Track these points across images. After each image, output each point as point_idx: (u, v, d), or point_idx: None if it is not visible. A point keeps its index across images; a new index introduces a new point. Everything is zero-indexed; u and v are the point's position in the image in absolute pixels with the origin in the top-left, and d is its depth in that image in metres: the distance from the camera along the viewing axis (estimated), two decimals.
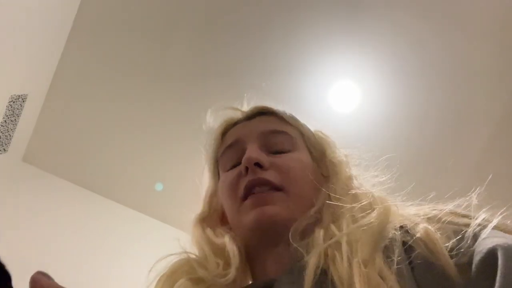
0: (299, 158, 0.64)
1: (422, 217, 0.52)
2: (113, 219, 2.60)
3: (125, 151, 2.72)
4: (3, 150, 2.55)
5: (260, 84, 2.58)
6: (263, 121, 0.70)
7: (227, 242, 0.60)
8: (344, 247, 0.49)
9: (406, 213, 0.55)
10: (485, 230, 0.46)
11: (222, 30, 2.58)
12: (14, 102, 2.45)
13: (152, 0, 2.56)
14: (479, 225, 0.47)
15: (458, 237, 0.46)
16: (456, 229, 0.48)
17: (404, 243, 0.49)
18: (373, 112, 2.55)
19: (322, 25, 2.50)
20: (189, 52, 2.62)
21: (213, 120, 0.77)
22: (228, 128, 0.74)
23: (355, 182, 0.63)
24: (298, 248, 0.52)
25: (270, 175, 0.61)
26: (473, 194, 0.55)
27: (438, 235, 0.47)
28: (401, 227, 0.52)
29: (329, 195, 0.60)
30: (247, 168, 0.61)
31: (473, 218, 0.49)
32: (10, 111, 2.45)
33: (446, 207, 0.53)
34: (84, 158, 2.74)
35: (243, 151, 0.64)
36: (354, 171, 0.66)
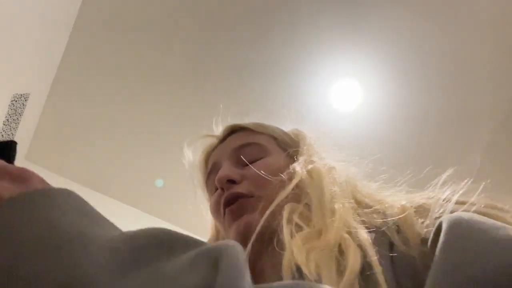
0: (268, 162, 0.67)
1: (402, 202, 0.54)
2: (115, 218, 2.60)
3: (127, 149, 2.73)
4: None
5: (262, 84, 2.58)
6: (234, 139, 0.74)
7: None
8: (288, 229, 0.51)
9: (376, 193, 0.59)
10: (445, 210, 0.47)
11: (223, 30, 2.58)
12: (16, 101, 2.46)
13: (153, 0, 2.57)
14: (440, 205, 0.49)
15: (423, 219, 0.48)
16: (423, 210, 0.50)
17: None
18: (374, 111, 2.55)
19: (323, 24, 2.50)
20: (190, 51, 2.62)
21: (192, 154, 0.82)
22: (208, 155, 0.78)
23: (316, 166, 0.65)
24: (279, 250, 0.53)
25: (242, 188, 0.64)
26: (444, 174, 0.56)
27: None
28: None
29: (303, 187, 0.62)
30: (222, 188, 0.65)
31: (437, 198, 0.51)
32: (13, 110, 2.46)
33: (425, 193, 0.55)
34: (86, 157, 2.75)
35: None
36: (316, 157, 0.68)
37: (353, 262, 0.43)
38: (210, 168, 0.73)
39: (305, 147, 0.70)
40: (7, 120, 2.45)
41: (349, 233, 0.48)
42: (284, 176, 0.63)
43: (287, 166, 0.66)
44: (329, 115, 2.57)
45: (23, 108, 2.55)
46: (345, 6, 2.45)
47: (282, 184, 0.62)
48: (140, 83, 2.68)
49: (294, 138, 0.74)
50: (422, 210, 0.51)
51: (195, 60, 2.62)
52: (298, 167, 0.63)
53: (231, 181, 0.64)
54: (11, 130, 2.53)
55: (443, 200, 0.50)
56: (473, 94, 2.47)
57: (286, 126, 0.83)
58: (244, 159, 0.67)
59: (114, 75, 2.68)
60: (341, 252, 0.46)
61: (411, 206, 0.52)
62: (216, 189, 0.68)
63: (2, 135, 2.47)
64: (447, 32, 2.41)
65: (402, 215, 0.50)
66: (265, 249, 0.59)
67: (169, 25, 2.61)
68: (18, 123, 2.56)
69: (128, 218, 2.66)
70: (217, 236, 0.74)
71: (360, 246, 0.46)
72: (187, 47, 2.62)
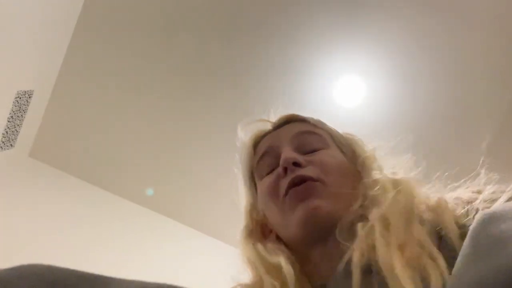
0: (332, 154, 0.66)
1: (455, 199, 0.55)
2: (120, 214, 2.62)
3: (131, 145, 2.74)
4: (10, 145, 2.57)
5: (265, 81, 2.58)
6: (292, 127, 0.72)
7: (283, 262, 0.58)
8: (378, 233, 0.50)
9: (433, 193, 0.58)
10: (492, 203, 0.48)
11: (225, 30, 2.57)
12: (20, 98, 2.47)
13: None
14: (484, 201, 0.50)
15: (464, 212, 0.50)
16: (464, 205, 0.51)
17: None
18: (377, 107, 2.54)
19: (327, 20, 2.49)
20: (194, 49, 2.62)
21: (244, 135, 0.78)
22: (259, 140, 0.75)
23: (385, 172, 0.64)
24: (345, 244, 0.53)
25: (308, 171, 0.62)
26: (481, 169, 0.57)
27: (449, 207, 0.51)
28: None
29: (366, 189, 0.61)
30: (285, 169, 0.63)
31: (480, 193, 0.52)
32: (17, 107, 2.47)
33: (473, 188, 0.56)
34: (90, 153, 2.76)
35: (277, 157, 0.66)
36: (382, 162, 0.67)
37: (435, 279, 0.43)
38: (264, 151, 0.70)
39: (365, 154, 0.68)
40: (11, 117, 2.46)
41: (423, 247, 0.48)
42: (350, 173, 0.63)
43: (344, 162, 0.66)
44: (333, 111, 2.57)
45: (27, 105, 2.56)
46: (348, 3, 2.44)
47: (348, 180, 0.62)
48: (144, 79, 2.68)
49: (347, 140, 0.73)
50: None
51: (196, 59, 2.62)
52: (381, 174, 0.62)
53: (297, 164, 0.63)
54: (15, 127, 2.54)
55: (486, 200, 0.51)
56: (475, 91, 2.45)
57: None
58: (307, 147, 0.66)
59: (117, 72, 2.68)
60: (420, 266, 0.45)
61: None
62: (269, 171, 0.67)
63: (7, 132, 2.49)
64: (450, 29, 2.40)
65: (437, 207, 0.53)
66: (322, 238, 0.58)
67: (171, 23, 2.61)
68: (22, 120, 2.57)
69: (132, 215, 2.67)
70: (252, 225, 0.71)
71: (437, 263, 0.45)
72: (189, 46, 2.62)
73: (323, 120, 0.76)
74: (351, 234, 0.54)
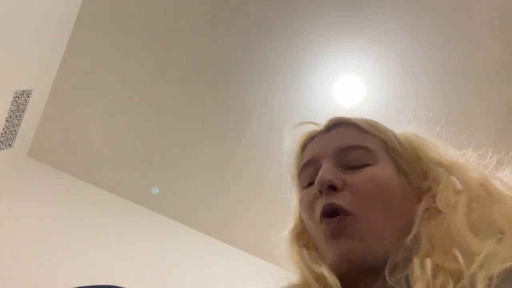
0: (375, 174, 0.58)
1: None
2: (118, 214, 2.61)
3: (130, 145, 2.73)
4: (8, 145, 2.56)
5: (264, 81, 2.58)
6: (340, 134, 0.65)
7: (326, 273, 0.56)
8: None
9: None
10: None
11: (224, 30, 2.57)
12: (18, 97, 2.46)
13: None
14: None
15: None
16: None
17: None
18: (376, 107, 2.54)
19: (325, 20, 2.49)
20: (192, 49, 2.62)
21: (291, 137, 0.73)
22: (307, 142, 0.71)
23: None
24: (395, 285, 0.48)
25: (342, 200, 0.57)
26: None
27: None
28: None
29: (427, 210, 0.54)
30: (321, 191, 0.59)
31: None
32: (15, 107, 2.46)
33: None
34: (89, 153, 2.75)
35: (318, 169, 0.62)
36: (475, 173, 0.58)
37: None
38: (307, 161, 0.66)
39: (431, 166, 0.60)
40: (10, 116, 2.46)
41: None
42: (395, 195, 0.56)
43: (395, 181, 0.58)
44: (332, 111, 2.56)
45: (26, 105, 2.55)
46: (348, 3, 2.44)
47: (394, 204, 0.56)
48: (142, 80, 2.67)
49: (410, 145, 0.64)
50: None
51: (196, 58, 2.62)
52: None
53: (333, 187, 0.58)
54: (13, 127, 2.53)
55: None
56: (475, 91, 2.45)
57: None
58: (351, 164, 0.60)
59: (115, 72, 2.68)
60: None
61: None
62: (309, 183, 0.63)
63: (5, 131, 2.48)
64: (449, 29, 2.40)
65: None
66: (366, 275, 0.54)
67: (170, 22, 2.60)
68: (21, 119, 2.56)
69: (131, 214, 2.66)
70: (301, 225, 0.68)
71: None
72: (187, 46, 2.61)
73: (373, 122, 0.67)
74: (401, 269, 0.50)
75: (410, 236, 0.52)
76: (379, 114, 2.63)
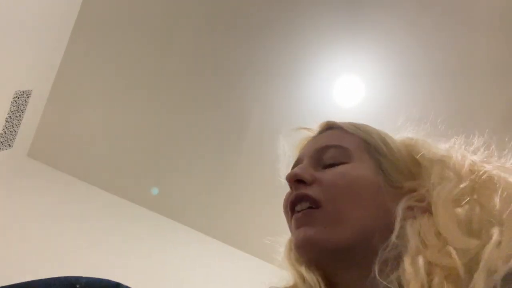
0: (346, 170, 0.60)
1: None
2: (118, 214, 2.61)
3: (129, 145, 2.73)
4: (8, 145, 2.56)
5: (264, 81, 2.58)
6: (324, 136, 0.68)
7: (304, 271, 0.58)
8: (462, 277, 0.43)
9: None
10: None
11: (224, 30, 2.57)
12: (18, 98, 2.46)
13: None
14: None
15: None
16: None
17: None
18: (376, 107, 2.54)
19: (325, 20, 2.49)
20: (192, 49, 2.62)
21: (285, 143, 0.76)
22: (299, 149, 0.74)
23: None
24: (388, 284, 0.48)
25: (310, 190, 0.59)
26: None
27: None
28: None
29: (411, 208, 0.54)
30: (291, 187, 0.62)
31: None
32: (15, 107, 2.46)
33: None
34: (88, 154, 2.75)
35: None
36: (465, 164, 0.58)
37: None
38: (294, 164, 0.70)
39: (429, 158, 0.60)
40: (10, 117, 2.46)
41: None
42: (367, 190, 0.57)
43: (370, 178, 0.59)
44: (332, 111, 2.57)
45: (26, 105, 2.55)
46: (347, 3, 2.44)
47: (366, 200, 0.57)
48: (141, 80, 2.67)
49: (398, 147, 0.64)
50: None
51: (196, 59, 2.62)
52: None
53: (301, 181, 0.60)
54: (13, 127, 2.53)
55: None
56: (475, 91, 2.46)
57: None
58: (327, 162, 0.62)
59: (115, 72, 2.68)
60: None
61: None
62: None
63: (5, 132, 2.48)
64: (449, 29, 2.40)
65: None
66: (342, 269, 0.55)
67: (170, 22, 2.60)
68: (21, 120, 2.56)
69: (131, 215, 2.67)
70: None
71: None
72: (187, 46, 2.61)
73: (357, 123, 0.69)
74: (390, 268, 0.49)
75: (395, 233, 0.51)
76: (379, 114, 2.64)
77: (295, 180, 0.61)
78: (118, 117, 2.72)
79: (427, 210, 0.53)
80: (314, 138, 0.70)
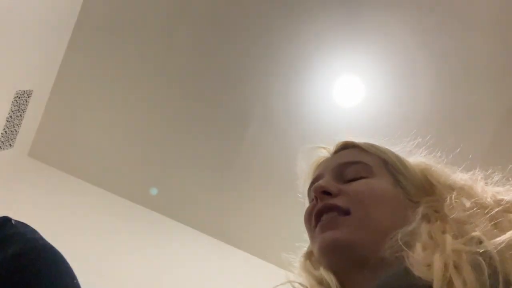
0: (370, 183, 0.64)
1: None
2: (118, 214, 2.62)
3: (130, 145, 2.73)
4: (9, 145, 2.57)
5: (264, 81, 2.58)
6: (343, 154, 0.72)
7: (322, 271, 0.62)
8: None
9: None
10: None
11: (224, 30, 2.57)
12: (19, 97, 2.46)
13: None
14: None
15: None
16: None
17: None
18: (376, 107, 2.55)
19: (326, 20, 2.49)
20: (192, 50, 2.62)
21: (304, 162, 0.79)
22: (317, 166, 0.77)
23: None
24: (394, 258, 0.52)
25: (337, 200, 0.62)
26: None
27: None
28: None
29: (426, 214, 0.58)
30: (317, 198, 0.65)
31: None
32: (16, 107, 2.47)
33: None
34: (89, 153, 2.75)
35: None
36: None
37: None
38: (313, 179, 0.72)
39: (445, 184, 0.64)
40: (10, 116, 2.46)
41: None
42: (391, 202, 0.61)
43: (391, 191, 0.63)
44: (332, 111, 2.57)
45: (26, 105, 2.55)
46: (347, 3, 2.44)
47: (387, 208, 0.60)
48: (142, 79, 2.68)
49: (412, 166, 0.68)
50: None
51: (196, 59, 2.62)
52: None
53: (327, 193, 0.63)
54: (14, 127, 2.54)
55: None
56: (475, 90, 2.46)
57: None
58: (348, 176, 0.66)
59: (116, 72, 2.68)
60: None
61: None
62: (313, 199, 0.68)
63: (6, 132, 2.48)
64: (449, 29, 2.40)
65: None
66: (355, 271, 0.58)
67: (170, 23, 2.61)
68: (21, 119, 2.57)
69: (132, 215, 2.67)
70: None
71: None
72: (188, 46, 2.62)
73: (376, 142, 0.74)
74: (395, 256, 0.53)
75: (412, 226, 0.55)
76: (378, 114, 2.65)
77: (321, 192, 0.64)
78: (118, 117, 2.72)
79: (441, 218, 0.57)
80: (332, 156, 0.74)
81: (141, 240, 2.48)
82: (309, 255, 0.71)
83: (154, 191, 2.70)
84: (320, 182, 0.65)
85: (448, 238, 0.51)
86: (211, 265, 2.51)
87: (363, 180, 0.64)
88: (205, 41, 2.60)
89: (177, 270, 2.37)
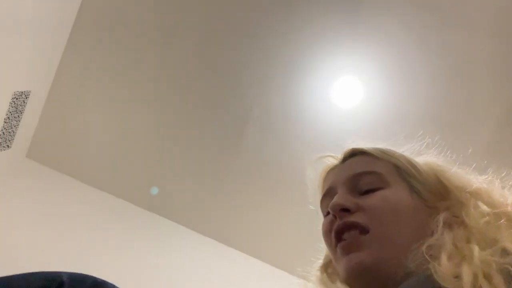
0: (386, 195, 0.63)
1: None
2: (117, 215, 2.61)
3: (128, 146, 2.73)
4: (6, 146, 2.56)
5: (262, 81, 2.58)
6: (354, 162, 0.71)
7: (340, 285, 0.63)
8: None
9: None
10: None
11: (223, 30, 2.57)
12: (17, 98, 2.46)
13: None
14: None
15: None
16: None
17: None
18: (375, 108, 2.55)
19: (324, 21, 2.49)
20: (191, 51, 2.62)
21: (313, 171, 0.78)
22: (326, 175, 0.76)
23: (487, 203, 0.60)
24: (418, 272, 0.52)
25: (357, 217, 0.62)
26: None
27: None
28: None
29: (447, 222, 0.58)
30: (335, 215, 0.64)
31: None
32: (14, 108, 2.46)
33: None
34: (87, 154, 2.75)
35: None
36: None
37: None
38: (325, 191, 0.71)
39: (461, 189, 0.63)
40: (8, 118, 2.45)
41: None
42: (407, 213, 0.60)
43: (407, 200, 0.62)
44: (330, 112, 2.57)
45: (24, 106, 2.55)
46: (346, 4, 2.45)
47: (407, 220, 0.60)
48: (140, 81, 2.67)
49: (424, 168, 0.68)
50: None
51: (195, 60, 2.62)
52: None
53: (345, 210, 0.63)
54: (12, 128, 2.53)
55: None
56: (473, 91, 2.46)
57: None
58: (363, 188, 0.65)
59: (114, 73, 2.68)
60: None
61: None
62: (328, 212, 0.67)
63: (3, 132, 2.48)
64: (446, 30, 2.41)
65: None
66: (378, 286, 0.58)
67: (170, 25, 2.60)
68: (19, 120, 2.56)
69: (130, 215, 2.66)
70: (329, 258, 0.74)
71: None
72: (186, 47, 2.61)
73: (382, 145, 0.73)
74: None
75: (436, 236, 0.55)
76: (377, 115, 2.65)
77: (339, 210, 0.63)
78: (117, 118, 2.71)
79: (462, 224, 0.57)
80: (342, 165, 0.72)
81: (139, 241, 2.47)
82: (325, 267, 0.71)
83: (154, 191, 2.70)
84: (336, 199, 0.64)
85: (476, 248, 0.51)
86: (211, 266, 2.50)
87: (379, 193, 0.63)
88: (204, 42, 2.60)
89: (176, 271, 2.36)
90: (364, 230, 0.60)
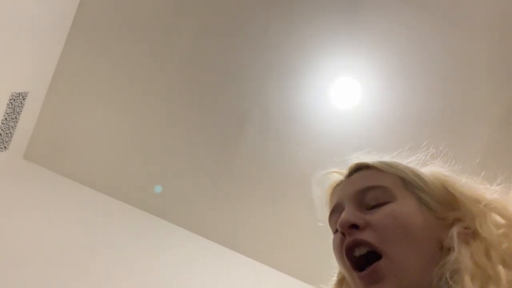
0: (394, 210, 0.63)
1: None
2: (115, 217, 2.60)
3: (126, 147, 2.72)
4: (4, 147, 2.55)
5: (261, 82, 2.57)
6: (360, 177, 0.70)
7: None
8: None
9: None
10: None
11: (221, 30, 2.57)
12: (14, 99, 2.45)
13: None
14: None
15: None
16: None
17: None
18: (373, 109, 2.54)
19: (322, 22, 2.49)
20: (188, 51, 2.61)
21: (318, 187, 0.78)
22: (332, 191, 0.76)
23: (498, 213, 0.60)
24: None
25: (366, 236, 0.61)
26: None
27: None
28: None
29: (461, 235, 0.58)
30: (344, 233, 0.64)
31: None
32: (11, 109, 2.45)
33: None
34: (85, 156, 2.74)
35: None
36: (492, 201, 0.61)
37: None
38: (333, 207, 0.71)
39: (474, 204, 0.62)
40: (5, 119, 2.44)
41: None
42: (416, 228, 0.60)
43: (416, 213, 0.62)
44: (329, 113, 2.56)
45: (22, 107, 2.54)
46: (344, 5, 2.44)
47: (418, 235, 0.60)
48: (139, 81, 2.67)
49: (431, 179, 0.67)
50: None
51: (193, 61, 2.61)
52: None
53: (354, 226, 0.63)
54: (9, 129, 2.52)
55: None
56: (472, 92, 2.46)
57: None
58: (371, 203, 0.65)
59: (112, 74, 2.67)
60: None
61: None
62: (337, 229, 0.67)
63: (1, 134, 2.46)
64: (446, 30, 2.40)
65: None
66: None
67: (166, 25, 2.60)
68: (17, 122, 2.55)
69: (127, 217, 2.65)
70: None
71: None
72: (185, 47, 2.61)
73: (389, 158, 0.72)
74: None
75: (454, 254, 0.55)
76: (376, 116, 2.64)
77: (348, 227, 0.63)
78: (114, 119, 2.71)
79: (477, 237, 0.57)
80: (348, 180, 0.72)
81: (138, 243, 2.46)
82: (339, 285, 0.72)
83: (158, 189, 2.69)
84: (344, 216, 0.63)
85: (501, 269, 0.50)
86: (210, 268, 2.49)
87: (386, 208, 0.63)
88: (203, 42, 2.59)
89: (175, 273, 2.35)
90: (376, 253, 0.59)
